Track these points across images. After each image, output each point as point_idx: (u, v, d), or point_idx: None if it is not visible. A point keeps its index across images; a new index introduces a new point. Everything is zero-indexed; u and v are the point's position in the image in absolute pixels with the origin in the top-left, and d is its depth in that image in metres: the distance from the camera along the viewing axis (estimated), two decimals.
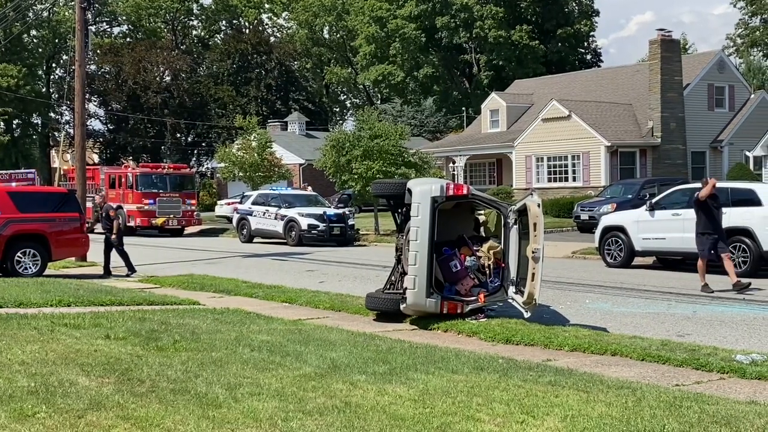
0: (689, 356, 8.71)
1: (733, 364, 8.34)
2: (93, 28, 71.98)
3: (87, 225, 20.21)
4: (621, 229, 20.18)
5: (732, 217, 16.96)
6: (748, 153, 36.32)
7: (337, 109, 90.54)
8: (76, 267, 21.07)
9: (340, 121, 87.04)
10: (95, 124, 69.99)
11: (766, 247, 17.33)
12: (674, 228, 18.64)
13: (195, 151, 72.67)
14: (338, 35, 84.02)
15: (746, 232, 17.48)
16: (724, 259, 15.23)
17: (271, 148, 42.61)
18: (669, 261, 20.11)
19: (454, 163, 47.32)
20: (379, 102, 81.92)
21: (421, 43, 67.64)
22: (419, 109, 70.12)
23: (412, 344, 9.48)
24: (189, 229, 38.56)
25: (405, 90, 72.69)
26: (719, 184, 16.63)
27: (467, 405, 6.33)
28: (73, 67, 26.02)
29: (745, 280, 15.43)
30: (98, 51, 68.08)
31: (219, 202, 49.30)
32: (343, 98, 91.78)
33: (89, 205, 27.67)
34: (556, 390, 6.96)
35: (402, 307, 11.49)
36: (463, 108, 67.30)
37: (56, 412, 5.92)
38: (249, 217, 32.55)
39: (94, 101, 68.49)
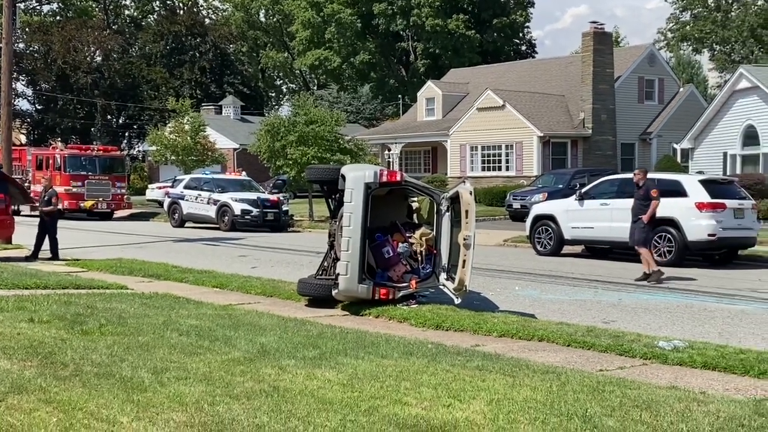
0: (613, 342, 8.89)
1: (656, 350, 8.53)
2: (21, 5, 70.00)
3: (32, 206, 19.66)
4: (551, 218, 20.50)
5: (659, 207, 17.35)
6: (675, 145, 37.21)
7: (273, 94, 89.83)
8: (0, 249, 20.51)
9: (276, 106, 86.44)
10: (23, 104, 68.26)
11: (691, 237, 17.80)
12: (602, 217, 19.01)
13: (126, 134, 71.36)
14: (275, 19, 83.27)
15: (672, 222, 17.93)
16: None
17: (205, 131, 42.15)
18: (597, 250, 20.51)
19: (389, 150, 47.43)
20: (315, 88, 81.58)
21: (358, 30, 67.48)
22: (356, 95, 70.06)
23: (342, 329, 9.50)
24: (119, 213, 37.91)
25: (341, 76, 72.48)
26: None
27: (395, 389, 6.37)
28: (0, 45, 25.22)
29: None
30: (27, 29, 66.15)
31: (150, 185, 48.60)
32: (279, 83, 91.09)
33: (38, 188, 27.04)
34: (483, 374, 7.05)
35: (334, 292, 11.50)
36: (400, 96, 67.44)
37: None
38: (181, 201, 32.15)
39: (22, 80, 66.69)
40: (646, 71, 43.82)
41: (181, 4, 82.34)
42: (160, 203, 38.81)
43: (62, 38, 64.09)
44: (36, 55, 66.46)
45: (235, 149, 54.63)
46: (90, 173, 36.55)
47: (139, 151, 69.61)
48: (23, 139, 66.42)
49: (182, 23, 70.57)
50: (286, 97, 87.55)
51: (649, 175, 16.60)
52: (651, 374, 7.72)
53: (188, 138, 40.95)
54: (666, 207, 17.75)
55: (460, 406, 5.93)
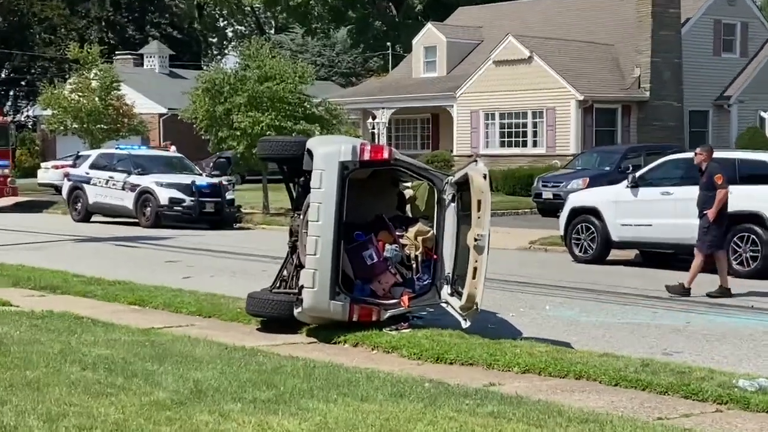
0: (677, 381, 8.92)
1: (734, 391, 8.56)
2: None
3: None
4: (594, 212, 20.52)
5: (739, 198, 17.39)
6: (763, 113, 37.47)
7: (214, 40, 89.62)
8: None
9: (218, 57, 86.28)
10: None
11: None
12: (664, 211, 19.04)
13: (10, 93, 71.02)
14: None
15: (757, 219, 17.97)
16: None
17: (119, 90, 41.94)
18: (656, 255, 20.55)
19: (374, 118, 47.43)
20: (272, 31, 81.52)
21: None
22: (328, 42, 70.10)
23: (308, 362, 9.51)
24: (0, 202, 37.70)
25: (309, 16, 72.45)
26: (721, 154, 17.02)
27: None
28: None
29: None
30: None
31: (43, 164, 48.36)
32: (222, 24, 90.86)
33: None
34: (501, 424, 7.06)
35: (296, 312, 11.50)
36: (389, 44, 67.46)
37: None
38: (86, 186, 32.03)
39: None
40: (724, 12, 43.97)
41: None
42: (58, 189, 38.59)
43: None
44: None
45: (161, 115, 54.45)
46: None
47: (28, 116, 69.33)
48: None
49: None
50: (233, 43, 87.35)
51: (724, 155, 16.66)
52: (728, 424, 7.74)
53: (96, 99, 40.68)
54: (748, 198, 17.77)
55: None
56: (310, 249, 11.24)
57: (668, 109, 41.20)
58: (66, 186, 33.45)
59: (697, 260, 15.69)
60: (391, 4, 72.48)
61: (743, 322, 13.48)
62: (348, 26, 70.98)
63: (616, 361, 9.84)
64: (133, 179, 30.90)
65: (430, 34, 49.24)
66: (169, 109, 52.85)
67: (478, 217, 10.80)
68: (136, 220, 30.66)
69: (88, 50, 43.09)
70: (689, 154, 19.56)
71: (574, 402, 8.26)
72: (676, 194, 18.83)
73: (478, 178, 10.96)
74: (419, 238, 12.11)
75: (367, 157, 11.50)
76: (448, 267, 11.76)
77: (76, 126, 41.23)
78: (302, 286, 11.35)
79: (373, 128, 47.17)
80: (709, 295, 15.52)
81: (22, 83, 69.70)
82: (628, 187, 20.04)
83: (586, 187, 27.44)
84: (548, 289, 16.52)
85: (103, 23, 68.64)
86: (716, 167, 15.93)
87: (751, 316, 14.06)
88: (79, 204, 32.39)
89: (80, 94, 41.03)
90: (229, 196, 31.39)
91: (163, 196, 30.11)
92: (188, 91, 34.91)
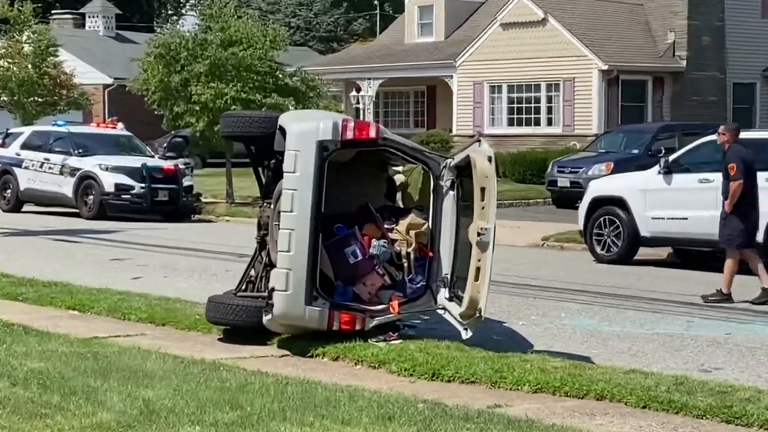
0: (717, 402, 8.94)
1: None
2: None
3: None
4: (620, 203, 20.56)
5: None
6: None
7: None
8: None
9: (174, 17, 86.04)
10: None
11: None
12: (702, 202, 19.03)
13: None
14: None
15: None
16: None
17: (57, 56, 41.92)
18: (693, 254, 20.60)
19: (358, 91, 47.42)
20: None
21: None
22: (305, 1, 70.01)
23: (279, 379, 9.52)
24: None
25: None
26: (754, 134, 17.01)
27: None
28: None
29: None
30: None
31: None
32: None
33: None
34: None
35: (266, 319, 11.50)
36: (376, 2, 67.49)
37: None
38: (16, 169, 31.95)
39: None
40: None
41: None
42: None
43: None
44: None
45: (106, 86, 54.44)
46: None
47: None
48: None
49: None
50: (191, 1, 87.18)
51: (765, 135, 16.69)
52: None
53: (29, 67, 40.62)
54: None
55: None
56: (282, 245, 11.22)
57: (708, 81, 41.26)
58: None
59: (728, 260, 15.78)
60: None
61: None
62: None
63: (645, 378, 9.83)
64: (73, 162, 30.82)
65: None
66: (115, 79, 52.77)
67: (482, 208, 10.79)
68: (77, 211, 30.59)
69: (19, 8, 42.93)
70: None
71: (594, 427, 8.29)
72: (717, 182, 18.81)
73: (482, 162, 10.93)
74: (412, 233, 12.09)
75: (350, 135, 11.47)
76: (446, 267, 11.76)
77: (5, 99, 41.16)
78: (273, 289, 11.34)
79: (358, 102, 47.17)
80: (752, 302, 15.57)
81: None
82: (660, 173, 20.05)
83: (610, 174, 27.48)
84: (564, 294, 16.56)
85: None
86: (736, 152, 16.01)
87: None
88: (9, 191, 32.28)
89: (10, 60, 40.89)
90: (186, 182, 31.37)
91: (109, 182, 30.02)
92: (138, 58, 34.83)
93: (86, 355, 10.25)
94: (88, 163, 30.56)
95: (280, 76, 32.99)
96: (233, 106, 30.32)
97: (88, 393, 8.44)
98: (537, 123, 41.40)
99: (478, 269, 10.75)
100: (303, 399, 8.61)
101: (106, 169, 30.26)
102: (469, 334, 11.07)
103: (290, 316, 11.31)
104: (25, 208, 32.15)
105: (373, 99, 47.40)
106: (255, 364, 10.57)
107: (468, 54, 43.04)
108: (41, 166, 31.49)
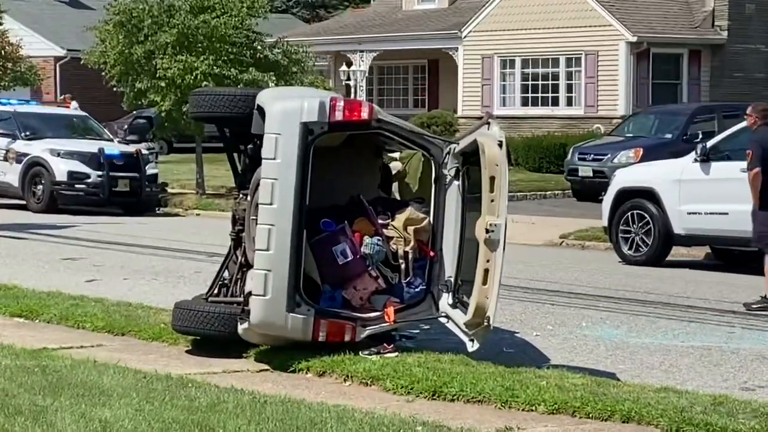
0: (762, 425, 9.01)
1: None
2: None
3: None
4: (650, 195, 20.66)
5: None
6: None
7: None
8: None
9: None
10: None
11: None
12: (745, 195, 19.12)
13: None
14: None
15: None
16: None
17: (1, 25, 42.05)
18: (735, 255, 20.73)
19: (349, 65, 47.39)
20: None
21: None
22: None
23: (257, 397, 9.58)
24: None
25: None
26: None
27: None
28: None
29: None
30: None
31: None
32: None
33: None
34: None
35: (241, 328, 11.51)
36: None
37: None
38: None
39: None
40: None
41: None
42: None
43: None
44: None
45: (58, 59, 54.53)
46: None
47: None
48: None
49: None
50: None
51: None
52: None
53: None
54: None
55: None
56: (260, 242, 11.27)
57: (752, 55, 41.29)
58: None
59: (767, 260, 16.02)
60: None
61: None
62: None
63: (679, 398, 9.89)
64: (19, 146, 30.93)
65: None
66: (68, 50, 52.78)
67: (491, 201, 10.84)
68: (23, 202, 30.68)
69: None
70: None
71: None
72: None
73: (492, 148, 10.97)
74: (410, 229, 12.15)
75: (339, 116, 11.49)
76: (450, 268, 11.82)
77: None
78: (249, 294, 11.40)
79: (349, 79, 47.19)
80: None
81: None
82: (696, 161, 20.11)
83: (639, 161, 27.58)
84: (586, 300, 16.64)
85: None
86: (758, 137, 16.30)
87: None
88: None
89: None
90: (150, 170, 31.39)
91: (61, 169, 30.12)
92: (95, 26, 34.79)
93: (34, 369, 10.27)
94: (37, 148, 30.66)
95: (259, 47, 33.03)
96: (204, 83, 30.39)
97: (36, 413, 8.48)
98: (555, 103, 41.43)
99: (486, 271, 10.79)
100: (284, 420, 8.65)
101: (58, 155, 30.36)
102: (476, 346, 11.08)
103: (269, 325, 11.32)
104: None
105: (366, 75, 47.38)
106: (228, 380, 10.61)
107: (475, 23, 43.05)
108: None
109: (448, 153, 11.91)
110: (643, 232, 20.72)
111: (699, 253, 21.37)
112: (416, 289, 12.01)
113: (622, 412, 9.54)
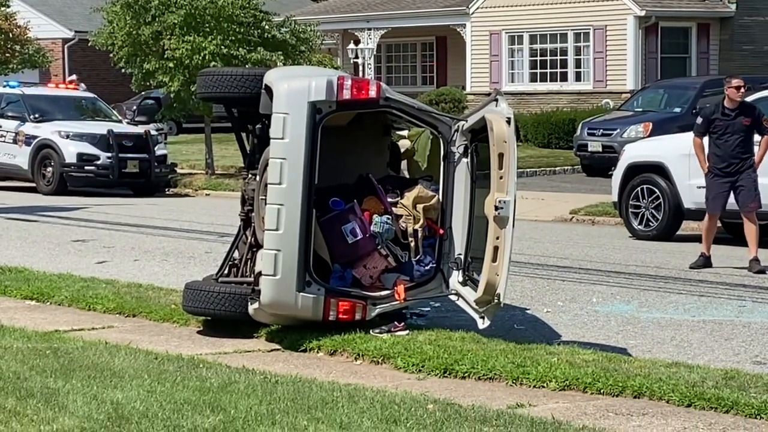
0: None
1: None
2: None
3: None
4: (660, 170, 20.54)
5: None
6: None
7: None
8: None
9: None
10: None
11: None
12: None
13: None
14: None
15: None
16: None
17: (8, 6, 41.90)
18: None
19: (357, 43, 47.33)
20: None
21: None
22: None
23: (268, 377, 9.56)
24: None
25: None
26: None
27: None
28: None
29: None
30: None
31: None
32: None
33: None
34: None
35: (252, 308, 11.51)
36: None
37: None
38: None
39: None
40: None
41: None
42: None
43: None
44: None
45: (66, 40, 54.34)
46: None
47: None
48: None
49: None
50: None
51: None
52: None
53: None
54: None
55: None
56: (270, 222, 11.24)
57: (761, 27, 41.16)
58: None
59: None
60: None
61: None
62: None
63: (690, 373, 9.86)
64: (29, 129, 30.89)
65: None
66: (76, 32, 52.64)
67: (500, 178, 10.81)
68: (33, 185, 30.69)
69: None
70: None
71: (631, 429, 8.33)
72: None
73: (500, 124, 10.93)
74: (419, 207, 12.11)
75: (347, 95, 11.44)
76: (459, 246, 11.80)
77: None
78: (259, 273, 11.39)
79: (356, 57, 47.09)
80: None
81: None
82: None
83: (649, 136, 27.45)
84: (596, 276, 16.59)
85: None
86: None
87: None
88: None
89: None
90: (159, 151, 31.39)
91: (70, 151, 30.09)
92: (103, 8, 34.71)
93: (45, 352, 10.28)
94: (46, 130, 30.64)
95: (267, 27, 32.90)
96: (212, 63, 30.30)
97: (48, 395, 8.47)
98: (564, 78, 41.30)
99: (496, 248, 10.78)
100: (295, 400, 8.64)
101: (67, 137, 30.34)
102: (487, 323, 11.11)
103: (280, 305, 11.31)
104: None
105: (374, 52, 47.28)
106: (240, 360, 10.61)
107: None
108: None
109: (457, 131, 11.91)
110: (653, 207, 20.62)
111: None
112: (426, 267, 12.00)
113: (633, 387, 9.52)
